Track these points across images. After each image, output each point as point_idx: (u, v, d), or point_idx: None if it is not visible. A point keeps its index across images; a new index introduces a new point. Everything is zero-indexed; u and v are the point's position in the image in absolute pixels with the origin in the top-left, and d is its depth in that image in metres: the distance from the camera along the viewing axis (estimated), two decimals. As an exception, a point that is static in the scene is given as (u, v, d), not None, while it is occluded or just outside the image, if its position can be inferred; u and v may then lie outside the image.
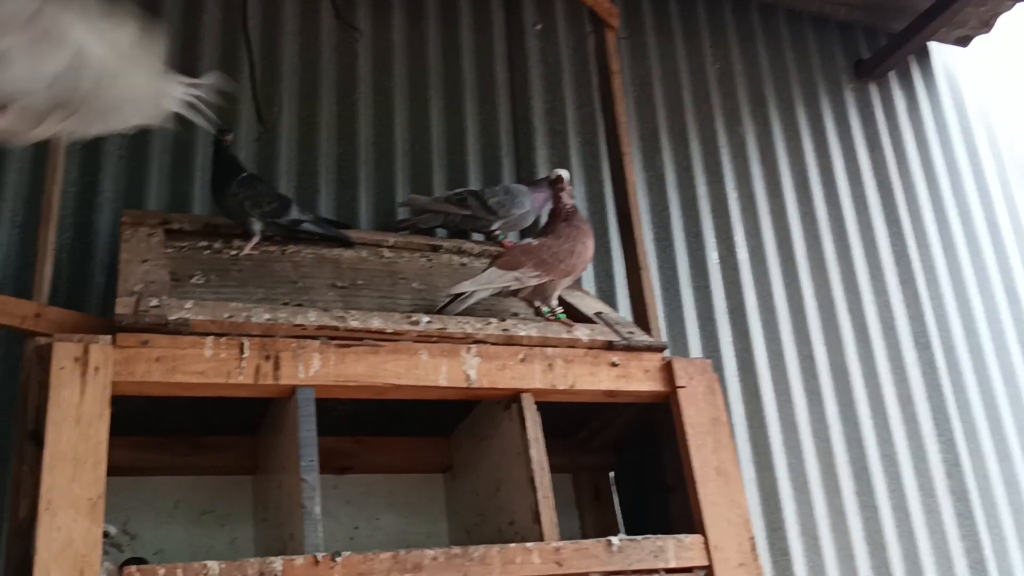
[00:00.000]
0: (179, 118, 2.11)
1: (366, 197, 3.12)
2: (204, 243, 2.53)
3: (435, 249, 2.81)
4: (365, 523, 2.43)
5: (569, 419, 2.53)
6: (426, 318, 2.15)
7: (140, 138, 2.92)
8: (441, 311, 2.24)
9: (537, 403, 2.16)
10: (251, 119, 3.06)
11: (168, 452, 2.30)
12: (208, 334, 1.95)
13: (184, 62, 3.06)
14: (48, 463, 1.72)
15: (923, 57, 4.32)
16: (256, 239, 2.53)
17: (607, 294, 3.19)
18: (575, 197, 3.22)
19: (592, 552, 1.98)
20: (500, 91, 3.46)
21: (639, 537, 2.04)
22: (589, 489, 2.64)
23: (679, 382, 2.23)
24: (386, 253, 2.70)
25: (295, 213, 2.59)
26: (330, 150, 3.15)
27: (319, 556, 1.80)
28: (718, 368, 3.25)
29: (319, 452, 2.31)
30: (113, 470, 2.21)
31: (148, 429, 2.26)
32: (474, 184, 3.25)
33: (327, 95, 3.21)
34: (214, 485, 2.36)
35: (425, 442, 2.53)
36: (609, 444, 2.62)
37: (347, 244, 2.65)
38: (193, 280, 2.28)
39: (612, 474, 2.66)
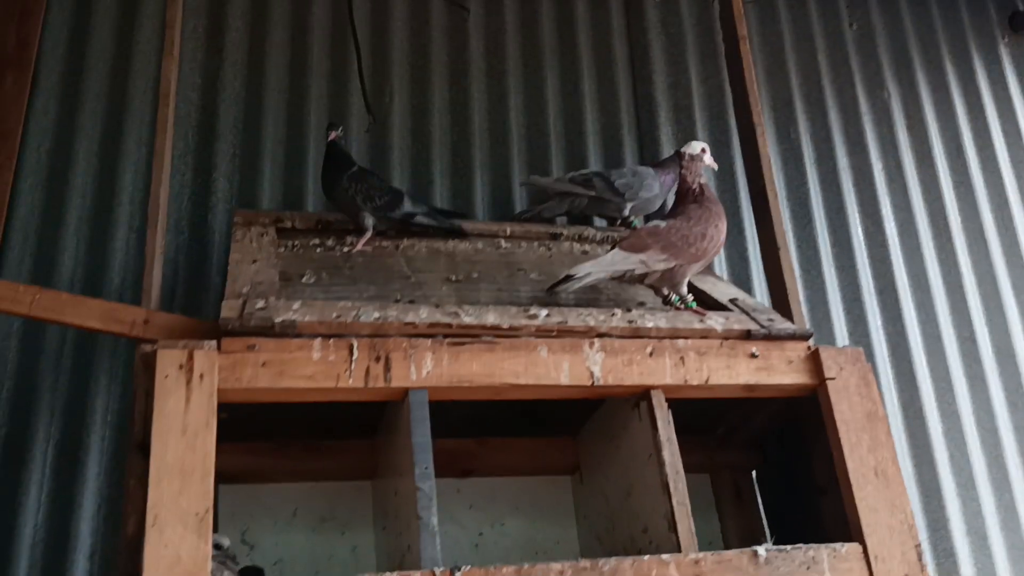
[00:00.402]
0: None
1: (482, 185, 2.99)
2: (316, 240, 2.45)
3: (555, 237, 2.66)
4: (490, 528, 2.30)
5: (705, 414, 2.34)
6: (544, 311, 2.00)
7: (253, 135, 2.88)
8: (551, 290, 2.08)
9: (669, 400, 1.98)
10: (362, 111, 2.97)
11: (284, 457, 2.22)
12: (316, 335, 1.85)
13: (294, 54, 3.01)
14: (154, 476, 1.65)
15: (1087, 4, 3.91)
16: (368, 234, 2.43)
17: (741, 279, 2.97)
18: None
19: (736, 564, 1.79)
20: (619, 67, 3.28)
21: (788, 547, 1.83)
22: (730, 490, 2.44)
23: (828, 373, 2.01)
24: (503, 244, 2.56)
25: (408, 206, 2.48)
26: (444, 138, 3.03)
27: (437, 571, 1.67)
28: (868, 355, 2.95)
29: (439, 454, 2.20)
30: (229, 477, 2.18)
31: (263, 434, 2.19)
32: (594, 167, 3.08)
33: (439, 81, 3.10)
34: (333, 491, 2.27)
35: (551, 442, 2.38)
36: (751, 441, 2.42)
37: (461, 235, 2.53)
38: (304, 279, 2.20)
39: (755, 473, 2.46)
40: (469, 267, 2.35)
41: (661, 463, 1.90)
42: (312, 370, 1.81)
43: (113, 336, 2.18)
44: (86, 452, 2.39)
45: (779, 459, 2.36)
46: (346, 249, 2.40)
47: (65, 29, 2.87)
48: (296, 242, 2.43)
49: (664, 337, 2.01)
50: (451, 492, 2.31)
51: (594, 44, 3.28)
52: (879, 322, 3.09)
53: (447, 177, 2.98)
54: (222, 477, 2.18)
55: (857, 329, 3.05)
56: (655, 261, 2.13)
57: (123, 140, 2.77)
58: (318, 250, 2.40)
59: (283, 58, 3.01)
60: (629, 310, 2.07)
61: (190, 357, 1.75)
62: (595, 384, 1.93)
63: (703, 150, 2.31)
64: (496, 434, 2.34)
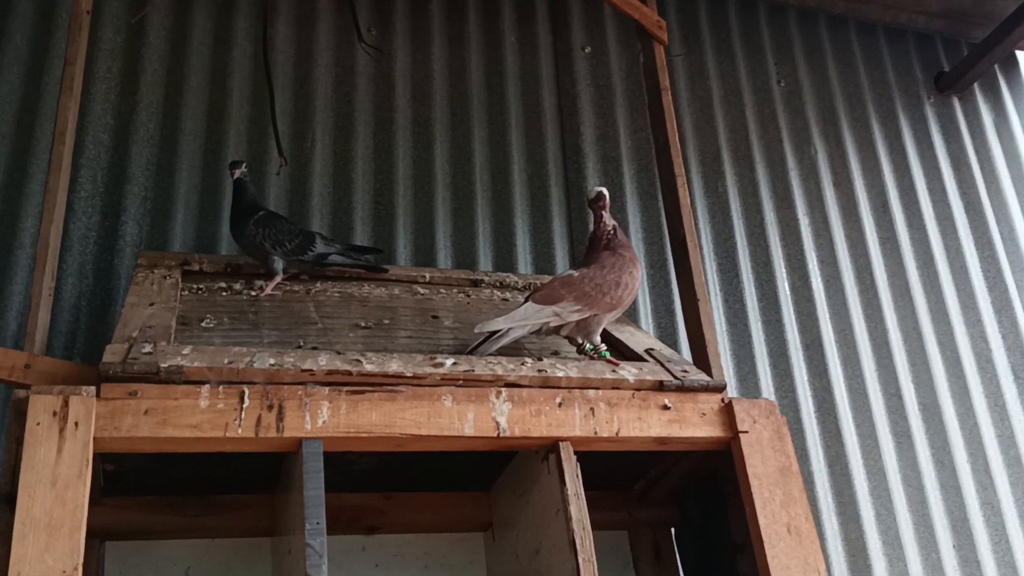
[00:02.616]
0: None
1: (404, 233, 2.93)
2: (223, 284, 2.36)
3: (475, 284, 2.60)
4: (396, 590, 2.20)
5: (624, 468, 2.27)
6: (451, 359, 1.92)
7: (166, 179, 2.79)
8: (473, 351, 2.01)
9: (579, 453, 1.91)
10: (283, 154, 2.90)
11: (177, 513, 2.10)
12: (205, 382, 1.75)
13: (211, 99, 2.94)
14: (19, 531, 1.53)
15: (1010, 67, 3.99)
16: (278, 278, 2.35)
17: (668, 332, 2.93)
18: (630, 229, 2.99)
19: (642, 626, 1.71)
20: (547, 117, 3.26)
21: (698, 607, 1.76)
22: (648, 547, 2.36)
23: (741, 427, 1.96)
24: (420, 290, 2.49)
25: (320, 247, 2.40)
26: (366, 185, 2.97)
27: (323, 634, 1.57)
28: (793, 410, 2.96)
29: (343, 510, 2.10)
30: (116, 534, 2.05)
31: (154, 488, 2.08)
32: (519, 216, 3.04)
33: (363, 128, 3.05)
34: (230, 548, 2.15)
35: (463, 497, 2.29)
36: (670, 496, 2.35)
37: (378, 270, 2.46)
38: (204, 323, 2.10)
39: (673, 531, 2.38)
40: (381, 313, 2.28)
41: (568, 518, 1.81)
42: (198, 419, 1.71)
43: (-5, 382, 2.05)
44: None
45: (697, 516, 2.29)
46: (254, 293, 2.31)
47: (-28, 71, 2.78)
48: (202, 285, 2.34)
49: (575, 387, 1.94)
50: (356, 550, 2.20)
51: (523, 94, 3.26)
52: (805, 377, 3.07)
53: (368, 224, 2.92)
54: (109, 534, 2.07)
55: (783, 384, 3.02)
56: (569, 312, 2.07)
57: (27, 183, 2.67)
58: (224, 294, 2.31)
59: (200, 103, 2.93)
60: (540, 359, 2.00)
61: (65, 404, 1.64)
62: (501, 435, 1.85)
63: (601, 193, 2.24)
64: (405, 489, 2.25)
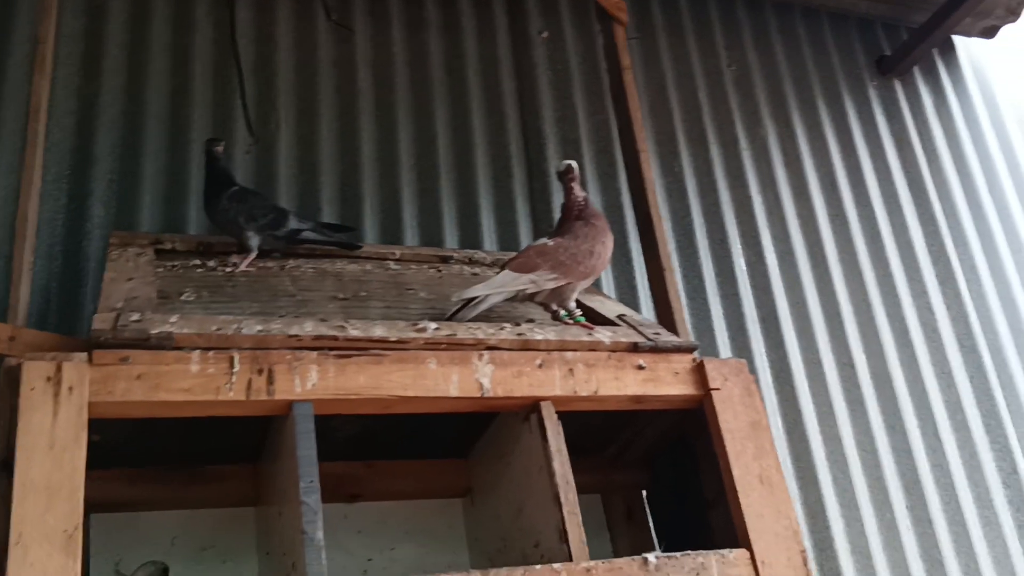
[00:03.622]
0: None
1: (371, 214, 2.97)
2: (197, 261, 2.38)
3: (445, 260, 2.65)
4: (379, 554, 2.24)
5: (596, 434, 2.34)
6: (433, 325, 1.98)
7: (131, 161, 2.80)
8: (452, 318, 2.06)
9: (559, 413, 1.97)
10: (246, 138, 2.92)
11: (162, 484, 2.12)
12: (195, 348, 1.78)
13: (174, 82, 2.94)
14: (19, 493, 1.55)
15: (948, 50, 4.14)
16: (253, 254, 2.38)
17: (629, 304, 3.00)
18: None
19: (626, 571, 1.78)
20: (508, 101, 3.32)
21: (678, 554, 1.83)
22: (621, 509, 2.44)
23: (713, 384, 2.04)
24: (392, 265, 2.54)
25: (293, 223, 2.44)
26: (332, 167, 3.00)
27: (324, 586, 1.61)
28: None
29: (326, 478, 2.13)
30: (103, 506, 2.07)
31: (140, 460, 2.10)
32: (483, 195, 3.10)
33: (327, 111, 3.08)
34: (214, 519, 2.18)
35: (442, 464, 2.34)
36: (641, 459, 2.43)
37: (351, 247, 2.50)
38: (183, 297, 2.12)
39: (645, 492, 2.46)
40: (357, 287, 2.32)
41: (551, 474, 1.88)
42: (190, 383, 1.74)
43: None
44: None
45: (669, 477, 2.37)
46: (228, 269, 2.34)
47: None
48: (176, 263, 2.36)
49: (553, 350, 2.00)
50: (338, 518, 2.24)
51: (483, 78, 3.32)
52: (763, 348, 3.17)
53: (335, 205, 2.95)
54: (94, 506, 2.07)
55: (742, 355, 3.11)
56: (545, 280, 2.13)
57: (-8, 164, 2.66)
58: (199, 270, 2.33)
59: (163, 86, 2.94)
60: (518, 324, 2.07)
61: (58, 369, 1.66)
62: (484, 396, 1.91)
63: (570, 166, 2.32)
64: (386, 457, 2.29)
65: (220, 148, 2.41)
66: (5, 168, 2.66)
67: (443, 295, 2.35)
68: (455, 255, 2.68)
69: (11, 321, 1.95)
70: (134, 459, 2.09)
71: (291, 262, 2.44)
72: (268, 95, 3.02)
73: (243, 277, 2.31)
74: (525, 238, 3.08)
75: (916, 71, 4.02)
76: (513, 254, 2.76)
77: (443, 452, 2.34)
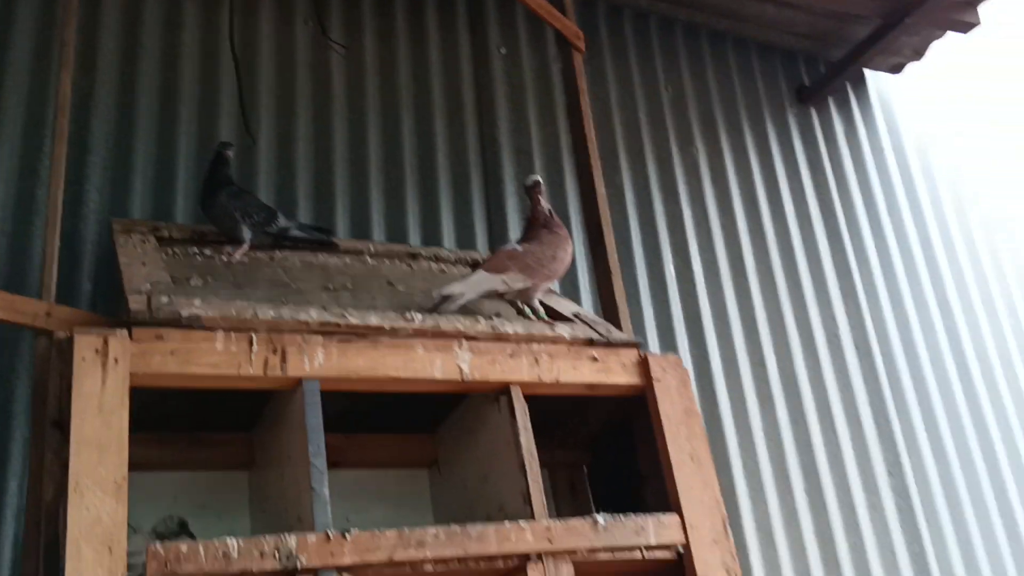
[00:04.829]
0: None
1: (342, 210, 3.24)
2: (195, 249, 2.63)
3: (413, 257, 2.95)
4: (356, 515, 2.52)
5: (547, 418, 2.67)
6: (419, 316, 2.29)
7: (124, 151, 3.01)
8: (434, 310, 2.37)
9: (524, 396, 2.30)
10: (228, 136, 3.15)
11: (166, 448, 2.39)
12: (218, 329, 2.06)
13: (165, 80, 3.17)
14: (74, 448, 1.81)
15: (859, 83, 4.59)
16: (246, 246, 2.64)
17: (572, 299, 3.34)
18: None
19: (580, 530, 2.13)
20: (468, 110, 3.62)
21: (622, 516, 2.19)
22: (565, 484, 2.77)
23: (654, 375, 2.40)
24: (369, 260, 2.83)
25: (282, 222, 2.71)
26: (307, 165, 3.26)
27: (330, 533, 1.91)
28: (678, 372, 3.43)
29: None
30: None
31: (148, 426, 2.35)
32: (443, 197, 3.40)
33: (303, 113, 3.33)
34: (211, 480, 2.45)
35: (411, 438, 2.65)
36: (584, 442, 2.77)
37: (332, 247, 2.78)
38: (191, 282, 2.38)
39: (586, 469, 2.80)
40: (342, 278, 2.60)
41: (519, 447, 2.21)
42: (216, 359, 2.02)
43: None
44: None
45: (607, 456, 2.71)
46: (224, 258, 2.60)
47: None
48: (176, 250, 2.61)
49: (522, 341, 2.33)
50: (320, 483, 2.52)
51: (445, 88, 3.61)
52: (687, 346, 3.54)
53: (310, 201, 3.21)
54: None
55: (668, 352, 3.48)
56: (514, 281, 2.46)
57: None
58: (198, 258, 2.59)
59: (154, 82, 3.16)
60: (491, 318, 2.39)
61: (105, 343, 1.92)
62: (464, 379, 2.23)
63: (537, 181, 2.66)
64: (361, 431, 2.59)
65: (230, 152, 2.67)
66: (8, 152, 2.86)
67: (418, 288, 2.65)
68: (423, 252, 2.98)
69: (44, 299, 2.19)
70: (140, 426, 2.34)
71: (279, 254, 2.71)
72: (250, 97, 3.26)
73: (240, 266, 2.57)
74: (481, 237, 3.40)
75: (830, 101, 4.46)
76: (473, 253, 3.11)
77: (412, 428, 2.65)
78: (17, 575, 2.37)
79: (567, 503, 2.74)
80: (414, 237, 3.29)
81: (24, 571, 1.91)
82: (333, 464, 2.53)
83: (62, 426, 1.88)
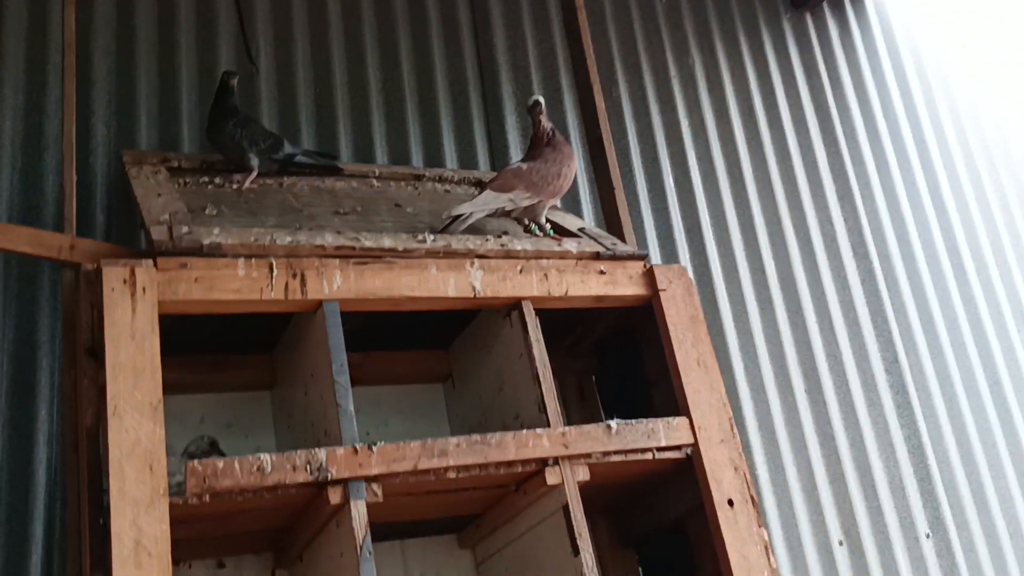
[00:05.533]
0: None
1: (344, 134, 3.28)
2: (205, 179, 2.69)
3: (418, 178, 3.00)
4: (375, 428, 2.64)
5: (555, 328, 2.76)
6: (431, 236, 2.36)
7: (127, 84, 3.05)
8: (443, 231, 2.44)
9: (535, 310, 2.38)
10: (228, 65, 3.17)
11: (193, 371, 2.47)
12: (239, 256, 2.13)
13: (162, 10, 3.18)
14: (111, 374, 1.89)
15: (853, -14, 4.58)
16: (254, 173, 2.69)
17: (573, 213, 3.40)
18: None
19: (594, 435, 2.23)
20: (464, 29, 3.63)
21: (633, 421, 2.29)
22: (575, 391, 2.88)
23: (660, 286, 2.48)
24: (375, 183, 2.88)
25: (288, 148, 2.77)
26: (308, 91, 3.29)
27: (357, 446, 2.01)
28: (680, 281, 3.51)
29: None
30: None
31: (172, 351, 2.43)
32: (445, 121, 3.43)
33: (300, 38, 3.35)
34: (235, 400, 2.55)
35: (426, 355, 2.74)
36: (591, 349, 2.86)
37: (337, 172, 2.84)
38: (207, 211, 2.44)
39: (595, 377, 2.90)
40: (351, 202, 2.67)
41: (532, 359, 2.30)
42: (239, 285, 2.10)
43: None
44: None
45: (615, 363, 2.81)
46: (235, 186, 2.65)
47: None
48: (187, 180, 2.66)
49: (531, 258, 2.41)
50: (340, 400, 2.63)
51: (441, 8, 3.62)
52: (687, 255, 3.62)
53: (312, 126, 3.25)
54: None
55: (670, 262, 3.56)
56: (521, 199, 2.52)
57: (1, 88, 2.89)
58: (209, 187, 2.64)
59: (152, 12, 3.17)
60: (500, 236, 2.46)
61: (132, 273, 2.00)
62: (476, 296, 2.31)
63: (538, 101, 2.71)
64: (379, 349, 2.67)
65: (234, 81, 2.70)
66: (12, 89, 2.89)
67: (423, 210, 2.72)
68: (427, 173, 3.04)
69: (67, 232, 2.25)
70: (163, 350, 2.43)
71: (287, 180, 2.77)
72: (249, 25, 3.28)
73: (251, 194, 2.63)
74: (482, 156, 3.45)
75: (825, 6, 4.45)
76: (475, 172, 3.16)
77: (427, 345, 2.74)
78: (54, 496, 2.49)
79: (576, 409, 2.85)
80: (416, 159, 3.34)
81: (67, 493, 2.02)
82: (353, 381, 2.65)
83: (96, 354, 1.96)
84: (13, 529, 2.43)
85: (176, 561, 2.25)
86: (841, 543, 3.33)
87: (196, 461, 1.91)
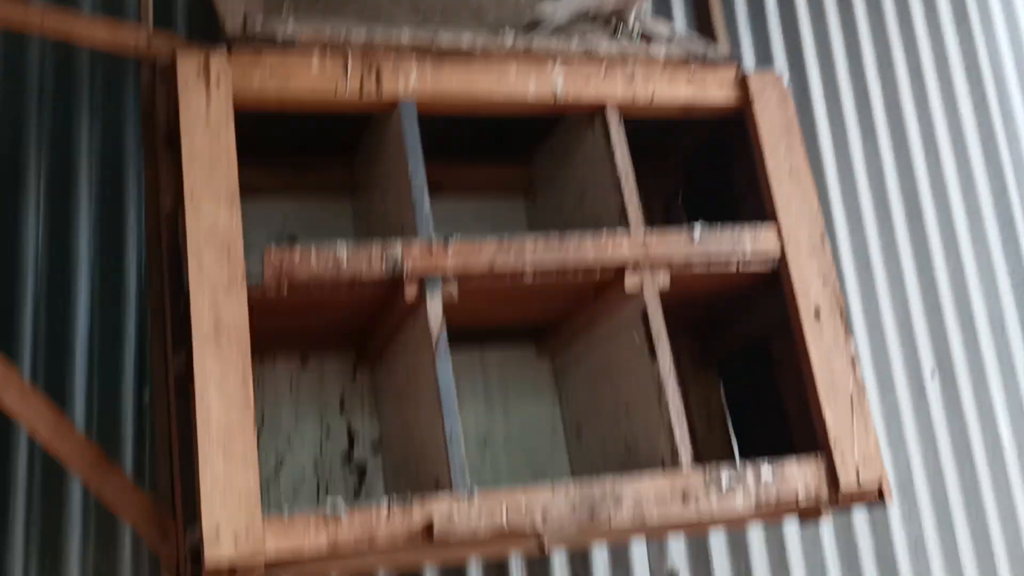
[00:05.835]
0: None
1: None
2: (284, -21, 2.61)
3: (503, -13, 2.88)
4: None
5: (640, 144, 2.66)
6: (511, 36, 2.26)
7: None
8: (527, 32, 2.33)
9: (618, 118, 2.29)
10: None
11: (273, 175, 2.48)
12: (314, 47, 2.07)
13: None
14: (187, 162, 1.89)
15: None
16: (334, -25, 2.61)
17: (665, 15, 3.25)
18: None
19: (675, 240, 2.16)
20: None
21: (718, 227, 2.21)
22: (660, 210, 2.79)
23: (753, 93, 2.34)
24: (455, -12, 2.77)
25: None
26: None
27: (433, 240, 1.99)
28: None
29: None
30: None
31: (252, 154, 2.43)
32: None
33: None
34: (315, 204, 2.55)
35: (506, 167, 2.68)
36: (677, 168, 2.76)
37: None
38: (284, 8, 2.38)
39: (680, 193, 2.81)
40: (433, 7, 2.57)
41: (614, 165, 2.22)
42: (313, 79, 2.05)
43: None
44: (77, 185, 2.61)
45: (701, 182, 2.71)
46: (315, -13, 2.58)
47: None
48: (264, -21, 2.59)
49: (615, 61, 2.29)
50: (422, 211, 2.60)
51: None
52: (785, 66, 3.43)
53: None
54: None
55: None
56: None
57: None
58: (286, -12, 2.57)
59: None
60: (584, 37, 2.35)
61: (206, 62, 1.97)
62: (557, 100, 2.22)
63: None
64: (457, 160, 2.62)
65: None
66: None
67: (508, 14, 2.60)
68: (511, -21, 2.91)
69: (144, 24, 2.23)
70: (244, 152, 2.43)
71: (367, -16, 2.68)
72: None
73: (330, -4, 2.55)
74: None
75: None
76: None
77: (507, 160, 2.68)
78: (143, 275, 2.54)
79: (660, 222, 2.77)
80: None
81: (150, 275, 2.07)
82: (431, 188, 2.63)
83: (174, 144, 1.96)
84: (106, 318, 2.51)
85: (261, 353, 2.31)
86: (933, 374, 3.24)
87: (273, 247, 1.90)
